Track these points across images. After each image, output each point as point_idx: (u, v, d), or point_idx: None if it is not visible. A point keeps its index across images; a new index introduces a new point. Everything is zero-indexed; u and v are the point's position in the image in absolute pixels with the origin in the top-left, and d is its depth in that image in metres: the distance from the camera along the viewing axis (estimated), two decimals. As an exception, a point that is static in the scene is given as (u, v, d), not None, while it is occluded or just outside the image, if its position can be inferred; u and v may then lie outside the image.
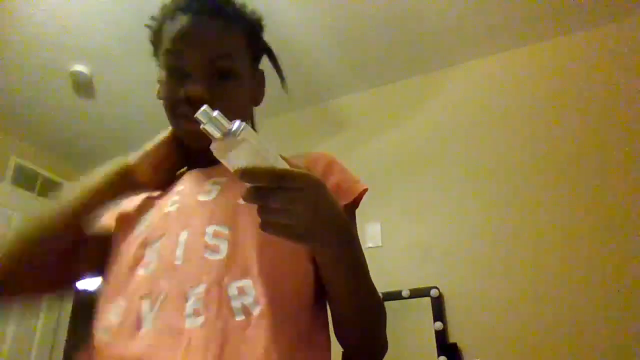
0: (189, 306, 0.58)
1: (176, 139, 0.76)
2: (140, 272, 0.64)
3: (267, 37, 0.83)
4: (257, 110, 0.85)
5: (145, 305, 0.60)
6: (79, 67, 2.43)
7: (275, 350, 0.56)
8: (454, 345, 1.92)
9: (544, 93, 2.22)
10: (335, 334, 0.66)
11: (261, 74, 0.83)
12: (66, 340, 2.74)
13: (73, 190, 0.71)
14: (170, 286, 0.60)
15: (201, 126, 0.48)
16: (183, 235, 0.64)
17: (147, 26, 0.78)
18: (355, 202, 0.73)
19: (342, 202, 0.68)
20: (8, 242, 0.67)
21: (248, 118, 0.80)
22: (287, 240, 0.51)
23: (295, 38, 2.25)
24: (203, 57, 0.71)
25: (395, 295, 2.05)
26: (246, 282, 0.60)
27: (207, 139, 0.49)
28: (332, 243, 0.55)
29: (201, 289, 0.59)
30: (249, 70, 0.78)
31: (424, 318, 2.01)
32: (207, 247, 0.63)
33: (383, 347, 0.69)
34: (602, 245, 1.87)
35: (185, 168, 0.79)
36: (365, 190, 0.73)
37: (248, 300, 0.59)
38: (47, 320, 2.73)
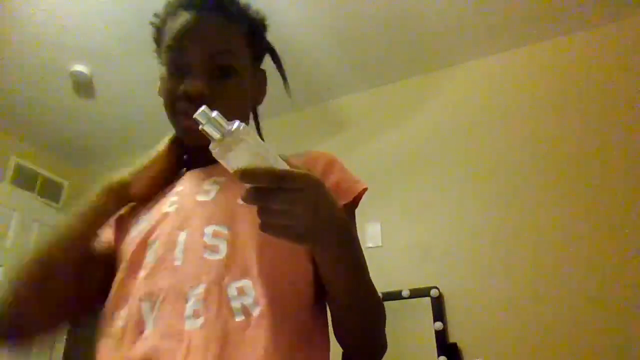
0: (189, 307, 0.58)
1: (175, 145, 0.76)
2: (141, 274, 0.64)
3: (268, 37, 0.83)
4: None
5: (145, 307, 0.60)
6: (79, 67, 2.43)
7: (275, 351, 0.56)
8: (454, 345, 1.92)
9: (544, 93, 2.22)
10: (335, 334, 0.66)
11: (263, 74, 0.83)
12: (66, 340, 2.73)
13: (71, 216, 0.69)
14: (169, 287, 0.60)
15: (200, 127, 0.48)
16: (182, 236, 0.64)
17: (151, 23, 0.78)
18: (355, 202, 0.72)
19: (342, 202, 0.68)
20: (19, 270, 0.65)
21: (247, 116, 0.80)
22: (287, 241, 0.51)
23: (295, 38, 2.25)
24: (203, 53, 0.71)
25: (395, 295, 2.05)
26: (246, 283, 0.60)
27: (205, 136, 0.49)
28: (332, 243, 0.55)
29: (201, 289, 0.59)
30: (249, 69, 0.77)
31: (424, 318, 2.01)
32: (206, 247, 0.63)
33: (382, 347, 0.69)
34: (602, 245, 1.87)
35: (184, 169, 0.79)
36: (365, 189, 0.73)
37: (248, 300, 0.59)
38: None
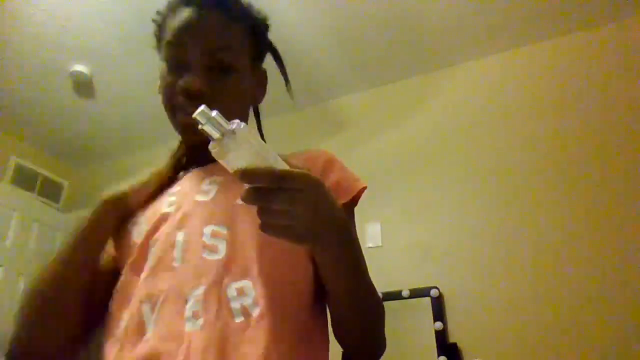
0: (189, 308, 0.58)
1: (176, 161, 0.76)
2: (142, 275, 0.64)
3: (269, 37, 0.83)
4: (257, 110, 0.85)
5: (145, 308, 0.60)
6: (79, 67, 2.43)
7: (275, 351, 0.56)
8: (454, 345, 1.92)
9: (544, 93, 2.22)
10: (335, 334, 0.66)
11: (263, 73, 0.82)
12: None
13: (73, 237, 0.68)
14: (169, 288, 0.60)
15: (199, 126, 0.47)
16: (180, 236, 0.64)
17: (153, 20, 0.78)
18: (355, 200, 0.72)
19: (341, 200, 0.68)
20: (28, 300, 0.65)
21: (246, 115, 0.80)
22: (287, 241, 0.51)
23: (295, 38, 2.25)
24: (203, 49, 0.70)
25: (395, 295, 2.05)
26: (246, 283, 0.60)
27: (203, 133, 0.48)
28: (332, 243, 0.55)
29: (200, 290, 0.59)
30: (249, 67, 0.77)
31: (424, 318, 2.01)
32: (205, 247, 0.62)
33: (382, 346, 0.69)
34: (602, 245, 1.87)
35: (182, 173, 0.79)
36: (365, 188, 0.73)
37: (247, 301, 0.59)
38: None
